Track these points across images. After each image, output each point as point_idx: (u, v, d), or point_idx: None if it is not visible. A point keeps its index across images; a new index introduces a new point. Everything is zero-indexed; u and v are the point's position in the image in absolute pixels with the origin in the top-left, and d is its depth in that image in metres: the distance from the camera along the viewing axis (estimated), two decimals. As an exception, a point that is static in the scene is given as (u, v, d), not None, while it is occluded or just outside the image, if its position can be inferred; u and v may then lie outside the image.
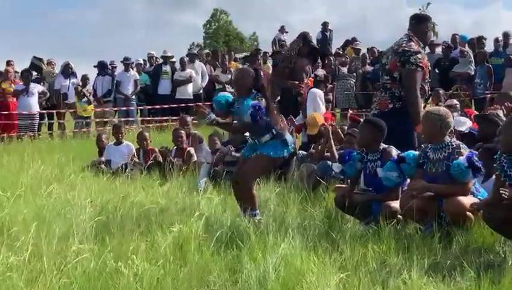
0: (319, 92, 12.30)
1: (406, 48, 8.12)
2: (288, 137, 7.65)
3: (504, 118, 8.85)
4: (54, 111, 19.61)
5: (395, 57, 8.10)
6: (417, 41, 8.24)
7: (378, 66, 8.34)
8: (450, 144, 6.75)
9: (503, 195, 5.76)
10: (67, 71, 19.86)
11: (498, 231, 6.18)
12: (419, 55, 8.10)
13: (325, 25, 25.44)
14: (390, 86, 8.11)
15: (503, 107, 10.06)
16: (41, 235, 6.09)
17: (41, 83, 19.55)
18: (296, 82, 13.27)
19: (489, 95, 15.77)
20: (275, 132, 7.48)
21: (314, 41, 24.98)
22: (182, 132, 12.19)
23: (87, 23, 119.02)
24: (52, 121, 19.92)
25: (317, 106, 12.04)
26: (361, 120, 9.35)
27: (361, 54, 20.98)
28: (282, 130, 7.59)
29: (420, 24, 8.39)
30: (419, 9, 9.50)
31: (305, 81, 13.34)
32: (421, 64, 8.07)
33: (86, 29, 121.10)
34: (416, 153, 7.09)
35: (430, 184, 6.71)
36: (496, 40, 19.18)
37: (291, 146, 7.70)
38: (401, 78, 8.06)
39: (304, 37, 13.22)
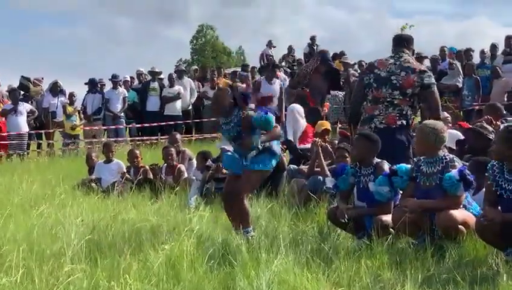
0: (297, 107, 12.32)
1: (423, 68, 8.48)
2: (276, 147, 7.63)
3: (491, 129, 8.89)
4: (43, 131, 19.53)
5: (413, 75, 8.15)
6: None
7: (370, 77, 8.28)
8: (443, 157, 6.75)
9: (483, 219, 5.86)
10: (55, 89, 19.84)
11: (491, 243, 6.19)
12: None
13: (312, 38, 25.53)
14: (399, 102, 8.15)
15: (486, 119, 10.10)
16: (33, 255, 6.06)
17: (30, 102, 19.50)
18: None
19: (477, 107, 15.81)
20: (261, 147, 7.49)
21: (301, 56, 25.23)
22: (172, 149, 12.19)
23: (75, 40, 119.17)
24: (41, 141, 19.84)
25: (296, 121, 12.05)
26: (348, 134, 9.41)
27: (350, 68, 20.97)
28: (269, 144, 7.56)
29: (410, 43, 8.58)
30: (404, 28, 9.60)
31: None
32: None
33: (74, 46, 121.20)
34: (409, 166, 7.09)
35: (421, 201, 6.71)
36: (482, 52, 19.29)
37: (277, 157, 7.69)
38: (412, 95, 8.14)
39: (322, 55, 13.10)
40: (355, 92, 8.66)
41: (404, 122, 8.15)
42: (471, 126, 9.56)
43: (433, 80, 8.35)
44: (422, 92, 8.21)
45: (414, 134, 7.98)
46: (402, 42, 8.51)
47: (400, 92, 8.14)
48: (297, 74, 14.23)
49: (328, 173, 9.37)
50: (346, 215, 7.26)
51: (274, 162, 7.61)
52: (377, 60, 8.49)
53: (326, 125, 11.61)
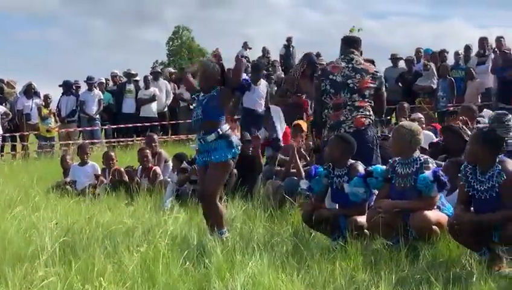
0: (278, 108, 12.41)
1: (375, 70, 8.46)
2: (234, 139, 7.68)
3: (468, 131, 8.95)
4: (18, 134, 19.40)
5: (367, 76, 8.17)
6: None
7: (326, 83, 8.27)
8: (418, 158, 6.81)
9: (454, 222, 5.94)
10: (29, 91, 19.69)
11: (463, 243, 6.23)
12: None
13: (288, 40, 25.55)
14: (360, 104, 8.14)
15: (461, 120, 10.17)
16: (6, 259, 6.03)
17: (3, 104, 19.36)
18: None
19: (451, 108, 15.91)
20: (220, 132, 7.51)
21: (278, 57, 25.22)
22: (148, 151, 12.16)
23: (50, 43, 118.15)
24: (15, 143, 19.68)
25: (283, 121, 12.11)
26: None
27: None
28: (229, 132, 7.63)
29: (359, 45, 8.59)
30: (353, 30, 9.62)
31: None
32: None
33: (49, 48, 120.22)
34: (384, 167, 7.13)
35: (396, 201, 6.75)
36: (456, 54, 19.39)
37: (237, 148, 7.66)
38: (369, 96, 8.16)
39: (309, 57, 12.86)
40: (316, 100, 8.55)
41: (370, 121, 8.18)
42: (448, 125, 9.59)
43: (383, 80, 8.44)
44: (374, 93, 8.26)
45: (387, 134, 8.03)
46: (352, 44, 8.49)
47: (358, 94, 8.15)
48: (285, 81, 13.99)
49: (303, 174, 9.39)
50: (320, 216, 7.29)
51: (231, 155, 7.58)
52: (329, 65, 8.51)
53: (301, 123, 11.56)
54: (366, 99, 8.15)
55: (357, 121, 8.10)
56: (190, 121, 18.51)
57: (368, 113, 8.15)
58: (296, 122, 11.62)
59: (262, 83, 15.18)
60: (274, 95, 19.80)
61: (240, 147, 7.75)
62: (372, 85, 8.15)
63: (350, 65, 8.21)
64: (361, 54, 8.52)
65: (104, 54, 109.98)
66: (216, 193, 7.60)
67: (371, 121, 8.20)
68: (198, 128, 7.69)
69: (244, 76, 7.93)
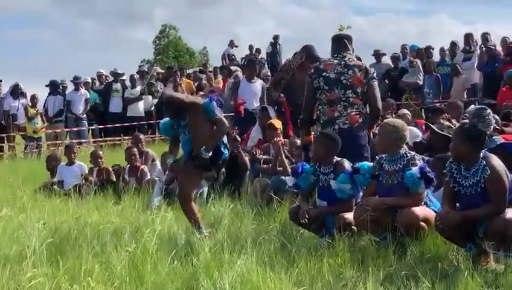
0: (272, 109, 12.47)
1: (366, 65, 8.46)
2: (223, 148, 7.90)
3: (448, 125, 8.99)
4: (4, 135, 19.32)
5: (360, 72, 8.19)
6: None
7: (320, 80, 8.29)
8: (405, 155, 6.83)
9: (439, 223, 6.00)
10: (16, 92, 19.58)
11: (449, 239, 6.26)
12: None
13: (275, 38, 25.57)
14: (354, 101, 8.15)
15: (444, 116, 10.21)
16: (-7, 260, 6.03)
17: (-11, 105, 19.29)
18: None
19: (438, 104, 15.96)
20: (207, 156, 7.74)
21: (264, 54, 25.24)
22: (135, 150, 12.15)
23: (36, 43, 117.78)
24: (2, 144, 19.59)
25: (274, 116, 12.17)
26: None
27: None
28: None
29: (349, 42, 8.60)
30: (342, 29, 9.57)
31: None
32: None
33: (35, 48, 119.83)
34: (371, 164, 7.14)
35: (383, 198, 6.78)
36: (442, 50, 19.46)
37: (225, 153, 7.95)
38: (363, 93, 8.17)
39: (308, 50, 12.63)
40: (307, 97, 8.55)
41: (364, 120, 8.20)
42: (428, 124, 9.63)
43: (375, 75, 8.38)
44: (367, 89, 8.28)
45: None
46: (342, 42, 8.52)
47: (351, 90, 8.17)
48: (280, 69, 13.76)
49: (290, 171, 9.39)
50: (307, 216, 7.29)
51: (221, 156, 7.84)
52: (322, 63, 8.52)
53: (274, 122, 11.45)
54: (360, 97, 8.17)
55: (351, 118, 8.11)
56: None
57: (361, 110, 8.17)
58: (269, 121, 11.51)
59: (258, 81, 14.98)
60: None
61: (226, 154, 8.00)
62: (364, 81, 8.17)
63: (342, 62, 8.24)
64: (352, 52, 8.54)
65: (93, 54, 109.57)
66: (190, 194, 7.89)
67: (365, 119, 8.22)
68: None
69: (210, 96, 8.06)
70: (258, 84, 14.65)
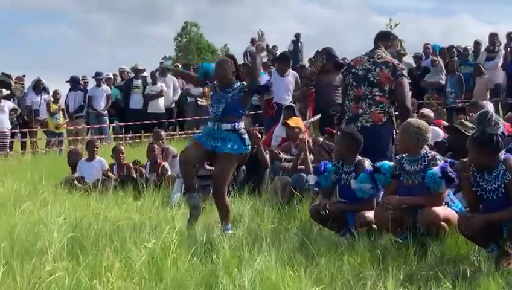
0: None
1: (395, 62, 8.34)
2: (247, 138, 7.77)
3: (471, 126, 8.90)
4: (27, 130, 19.42)
5: (387, 70, 8.15)
6: (392, 56, 8.40)
7: (349, 76, 8.29)
8: (425, 155, 6.78)
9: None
10: (38, 87, 19.67)
11: (472, 240, 6.22)
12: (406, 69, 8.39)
13: (297, 36, 25.52)
14: (380, 100, 8.14)
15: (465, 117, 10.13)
16: (14, 254, 6.04)
17: (11, 100, 19.36)
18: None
19: (460, 104, 15.87)
20: (236, 127, 7.62)
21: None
22: (156, 146, 12.15)
23: (56, 39, 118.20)
24: (25, 139, 19.69)
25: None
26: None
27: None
28: (242, 130, 7.73)
29: (390, 40, 8.60)
30: (389, 26, 9.29)
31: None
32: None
33: (55, 44, 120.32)
34: (392, 163, 7.10)
35: (404, 197, 6.74)
36: (465, 49, 19.36)
37: (247, 147, 7.80)
38: (390, 92, 8.13)
39: (328, 52, 12.49)
40: (342, 94, 8.64)
41: (388, 119, 8.17)
42: (451, 124, 9.57)
43: (404, 72, 8.33)
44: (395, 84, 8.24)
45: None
46: (379, 39, 8.52)
47: (378, 88, 8.15)
48: (303, 76, 13.57)
49: (311, 170, 9.36)
50: (327, 209, 7.26)
51: (244, 150, 7.74)
52: (354, 59, 8.53)
53: (291, 121, 11.32)
54: (387, 96, 8.14)
55: (374, 116, 8.09)
56: (197, 117, 18.52)
57: (387, 109, 8.14)
58: (284, 121, 11.39)
59: (291, 73, 14.49)
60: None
61: (250, 147, 7.91)
62: (392, 78, 8.13)
63: (371, 59, 8.24)
64: (391, 48, 8.46)
65: (113, 49, 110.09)
66: (226, 184, 7.80)
67: (390, 119, 8.18)
68: (216, 120, 7.77)
69: (267, 77, 8.00)
70: (290, 76, 14.28)
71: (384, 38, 8.55)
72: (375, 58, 8.26)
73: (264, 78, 7.83)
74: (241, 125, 7.70)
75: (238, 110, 7.71)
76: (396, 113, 8.48)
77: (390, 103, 8.19)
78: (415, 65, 18.86)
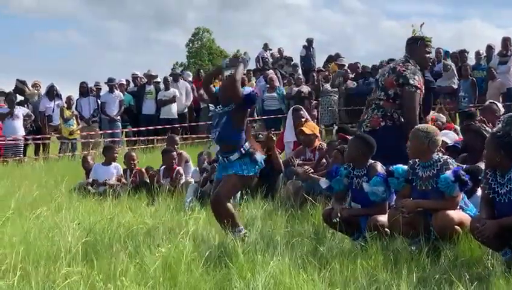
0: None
1: (403, 69, 8.23)
2: (258, 156, 7.60)
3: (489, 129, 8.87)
4: (40, 136, 19.45)
5: (392, 75, 8.16)
6: (414, 63, 8.32)
7: (362, 81, 8.37)
8: (438, 160, 6.77)
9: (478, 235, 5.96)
10: (51, 93, 19.73)
11: (485, 244, 6.21)
12: (416, 77, 8.21)
13: (309, 41, 25.49)
14: (383, 104, 8.16)
15: (480, 120, 10.11)
16: (29, 258, 6.08)
17: (26, 106, 19.45)
18: None
19: (473, 109, 15.83)
20: (244, 151, 7.49)
21: (298, 58, 25.20)
22: (174, 153, 12.09)
23: (67, 45, 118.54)
24: (38, 142, 19.72)
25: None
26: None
27: (343, 69, 20.89)
28: (253, 150, 7.57)
29: (414, 46, 8.49)
30: (414, 30, 9.09)
31: None
32: (419, 86, 8.19)
33: (66, 50, 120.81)
34: (405, 167, 7.09)
35: (418, 201, 6.73)
36: (477, 53, 19.31)
37: (260, 165, 7.65)
38: (395, 96, 8.13)
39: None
40: None
41: (389, 123, 8.15)
42: (468, 125, 9.52)
43: (411, 81, 8.13)
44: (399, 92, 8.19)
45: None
46: (406, 45, 8.53)
47: (384, 92, 8.17)
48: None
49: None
50: (339, 216, 7.27)
51: (254, 172, 7.60)
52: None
53: (305, 128, 11.31)
54: (392, 100, 8.13)
55: (373, 120, 8.12)
56: (211, 122, 18.59)
57: (388, 113, 8.13)
58: (299, 128, 11.37)
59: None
60: (294, 95, 19.87)
61: (263, 162, 7.74)
62: (395, 83, 8.12)
63: (388, 65, 8.28)
64: (415, 54, 8.39)
65: (124, 56, 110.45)
66: (228, 198, 7.61)
67: (392, 124, 8.16)
68: (220, 147, 7.76)
69: (249, 89, 7.87)
70: None
71: (406, 46, 8.52)
72: (391, 64, 8.31)
73: (246, 90, 7.66)
74: (247, 145, 7.54)
75: (234, 134, 7.54)
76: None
77: (395, 108, 8.15)
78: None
